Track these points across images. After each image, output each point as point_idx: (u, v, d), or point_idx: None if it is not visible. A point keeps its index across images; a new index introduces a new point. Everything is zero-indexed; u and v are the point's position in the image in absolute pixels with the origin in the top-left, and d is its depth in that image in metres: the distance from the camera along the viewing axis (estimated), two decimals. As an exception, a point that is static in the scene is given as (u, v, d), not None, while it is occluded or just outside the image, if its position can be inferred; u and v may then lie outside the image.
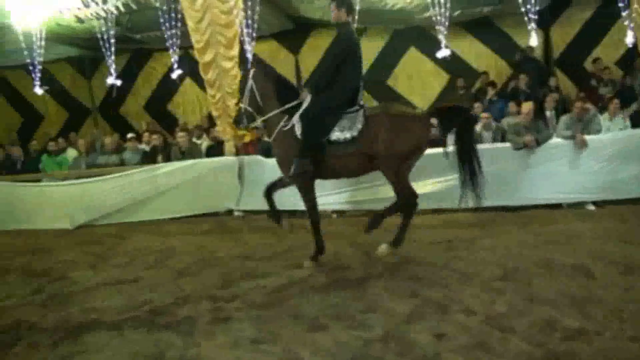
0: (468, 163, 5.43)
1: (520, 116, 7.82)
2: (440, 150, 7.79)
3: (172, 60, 9.41)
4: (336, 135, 5.42)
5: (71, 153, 10.34)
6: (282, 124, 5.64)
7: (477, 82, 11.37)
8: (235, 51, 8.16)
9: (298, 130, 5.50)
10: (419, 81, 12.25)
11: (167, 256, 6.48)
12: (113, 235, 7.91)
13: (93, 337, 4.21)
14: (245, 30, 9.21)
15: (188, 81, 13.03)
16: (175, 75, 10.15)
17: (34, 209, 9.01)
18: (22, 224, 9.01)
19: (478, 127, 8.22)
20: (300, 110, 5.53)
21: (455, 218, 7.27)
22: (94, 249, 7.22)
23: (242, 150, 8.98)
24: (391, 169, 5.42)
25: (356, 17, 8.06)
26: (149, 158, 9.10)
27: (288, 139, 5.57)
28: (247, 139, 9.15)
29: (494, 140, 7.98)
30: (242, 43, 8.89)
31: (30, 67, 10.68)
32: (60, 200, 8.81)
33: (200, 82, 12.79)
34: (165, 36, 9.00)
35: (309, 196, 5.71)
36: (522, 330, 3.72)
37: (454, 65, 11.41)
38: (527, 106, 7.72)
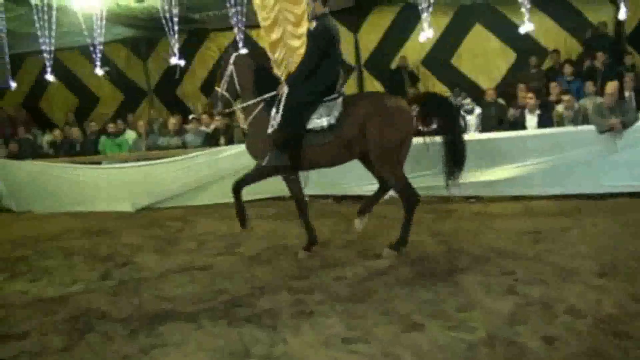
0: (453, 153, 5.28)
1: (604, 97, 7.28)
2: (520, 133, 7.51)
3: (237, 38, 9.11)
4: (314, 122, 5.30)
5: (130, 135, 10.24)
6: (256, 112, 5.55)
7: (547, 60, 10.75)
8: (303, 28, 7.80)
9: (274, 122, 5.36)
10: (484, 60, 11.64)
11: (237, 242, 6.25)
12: (177, 218, 7.75)
13: (170, 328, 3.98)
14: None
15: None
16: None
17: (94, 190, 8.93)
18: (82, 206, 8.94)
19: (560, 108, 7.73)
20: (279, 104, 5.38)
21: (536, 206, 6.86)
22: (159, 232, 7.08)
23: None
24: (386, 167, 5.30)
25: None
26: (211, 140, 8.90)
27: (262, 129, 5.44)
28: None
29: (575, 122, 7.47)
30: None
31: (90, 48, 10.56)
32: (122, 182, 8.71)
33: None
34: (230, 14, 8.71)
35: (256, 177, 5.59)
36: (639, 337, 3.32)
37: (522, 43, 10.74)
38: (612, 86, 7.17)
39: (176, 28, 9.27)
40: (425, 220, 6.42)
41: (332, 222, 6.85)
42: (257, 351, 3.52)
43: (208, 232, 6.83)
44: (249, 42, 10.39)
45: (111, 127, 10.11)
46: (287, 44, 7.98)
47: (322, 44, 5.30)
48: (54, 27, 9.81)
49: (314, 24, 5.42)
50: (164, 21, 9.08)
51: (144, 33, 12.76)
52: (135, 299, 4.69)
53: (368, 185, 5.53)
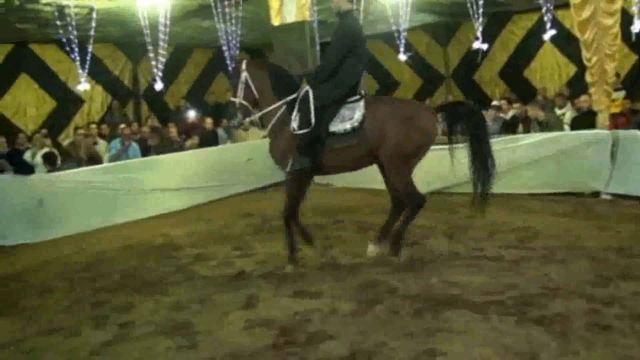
0: (480, 161, 5.10)
1: None
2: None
3: (545, 18, 8.61)
4: (336, 126, 5.10)
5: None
6: (278, 116, 5.32)
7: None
8: (618, 5, 7.03)
9: (295, 125, 5.14)
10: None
11: (529, 236, 5.96)
12: (466, 205, 7.66)
13: (456, 315, 3.99)
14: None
15: (547, 45, 12.01)
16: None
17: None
18: (378, 184, 9.32)
19: None
20: (300, 105, 5.17)
21: None
22: (449, 217, 7.12)
23: (612, 123, 7.84)
24: (397, 170, 5.15)
25: None
26: (509, 128, 8.61)
27: (286, 133, 5.26)
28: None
29: None
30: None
31: (395, 35, 11.09)
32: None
33: (562, 47, 11.75)
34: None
35: (294, 193, 5.36)
36: None
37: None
38: None
39: (480, 11, 9.16)
40: None
41: (634, 226, 6.10)
42: (544, 357, 3.31)
43: (499, 222, 6.63)
44: (555, 23, 9.74)
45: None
46: (598, 22, 7.28)
47: (347, 42, 5.12)
48: (361, 16, 10.52)
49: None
50: (468, 4, 9.02)
51: (445, 19, 12.91)
52: (423, 280, 4.80)
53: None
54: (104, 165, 8.97)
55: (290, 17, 10.09)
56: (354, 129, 5.11)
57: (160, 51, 9.92)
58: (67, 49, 9.91)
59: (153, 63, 10.48)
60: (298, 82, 5.60)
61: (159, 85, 10.59)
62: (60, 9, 9.04)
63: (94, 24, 9.58)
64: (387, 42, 13.54)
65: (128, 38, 11.94)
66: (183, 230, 7.53)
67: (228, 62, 11.74)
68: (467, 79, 14.02)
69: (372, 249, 5.54)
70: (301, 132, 5.15)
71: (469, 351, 3.46)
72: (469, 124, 5.21)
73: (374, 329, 3.90)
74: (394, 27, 11.17)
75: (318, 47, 9.99)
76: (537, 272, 4.78)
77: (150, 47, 10.28)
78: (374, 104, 5.26)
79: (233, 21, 10.80)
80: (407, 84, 15.22)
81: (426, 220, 6.95)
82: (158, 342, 4.05)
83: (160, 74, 10.46)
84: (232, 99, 5.56)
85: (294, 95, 5.35)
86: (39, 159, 9.04)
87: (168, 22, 9.60)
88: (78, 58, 9.93)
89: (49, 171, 8.55)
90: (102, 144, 9.93)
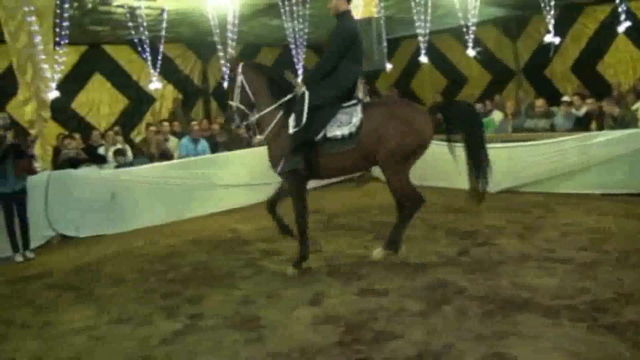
0: (476, 159, 5.11)
1: None
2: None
3: (619, 9, 8.20)
4: (333, 131, 5.10)
5: (497, 115, 10.25)
6: (276, 120, 5.33)
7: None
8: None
9: (291, 125, 5.15)
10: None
11: (602, 238, 5.73)
12: (539, 205, 7.48)
13: (526, 319, 3.92)
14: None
15: (621, 38, 11.46)
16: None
17: (455, 168, 9.09)
18: (443, 182, 9.07)
19: None
20: (296, 105, 5.18)
21: None
22: (520, 217, 6.93)
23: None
24: (394, 171, 5.15)
25: None
26: (581, 124, 8.31)
27: (282, 135, 5.26)
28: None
29: None
30: None
31: (463, 30, 10.88)
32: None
33: (636, 39, 11.20)
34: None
35: (299, 198, 5.37)
36: None
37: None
38: None
39: (552, 3, 8.86)
40: None
41: None
42: (619, 367, 3.20)
43: (571, 223, 6.42)
44: (629, 15, 9.30)
45: (480, 108, 10.29)
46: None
47: (344, 42, 5.14)
48: (429, 11, 10.40)
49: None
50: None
51: (515, 12, 12.54)
52: (492, 280, 4.73)
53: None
54: (175, 161, 9.24)
55: (357, 13, 10.09)
56: (351, 134, 5.12)
57: (229, 50, 10.10)
58: (139, 49, 10.23)
59: (222, 62, 10.69)
60: (293, 84, 5.58)
61: (227, 84, 10.78)
62: (132, 10, 9.35)
63: (164, 25, 9.88)
64: (455, 37, 13.30)
65: (198, 38, 12.21)
66: (251, 226, 7.68)
67: (295, 60, 11.84)
68: (538, 74, 13.55)
69: (377, 253, 5.48)
70: (293, 131, 5.19)
71: (539, 357, 3.40)
72: (463, 123, 5.22)
73: (442, 329, 3.89)
74: (462, 22, 10.95)
75: (385, 44, 9.91)
76: (610, 276, 4.61)
77: (219, 47, 10.49)
78: (370, 108, 5.27)
79: (300, 19, 10.88)
80: (476, 80, 14.86)
81: (496, 220, 6.85)
82: (226, 334, 4.18)
83: (228, 72, 10.62)
84: (230, 102, 5.59)
85: (290, 96, 5.38)
86: (111, 155, 9.41)
87: (237, 22, 9.77)
88: (149, 58, 10.24)
89: (121, 166, 8.90)
90: (173, 141, 10.22)
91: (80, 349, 4.20)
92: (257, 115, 5.53)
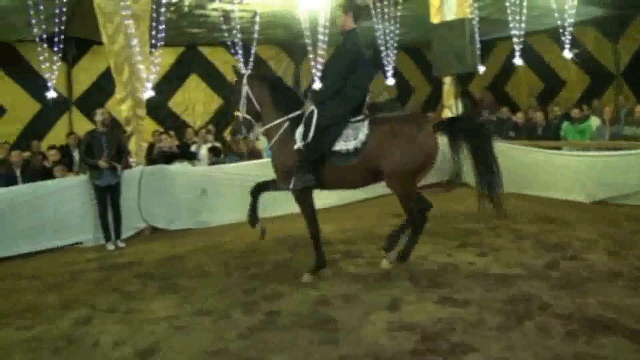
0: (485, 171, 5.04)
1: None
2: None
3: None
4: (339, 145, 5.13)
5: (594, 121, 9.76)
6: (281, 131, 5.38)
7: None
8: None
9: (299, 142, 5.16)
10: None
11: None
12: (635, 219, 7.03)
13: (612, 342, 3.70)
14: None
15: None
16: None
17: (548, 176, 8.79)
18: (533, 190, 8.83)
19: None
20: (305, 123, 5.21)
21: None
22: (612, 231, 6.57)
23: None
24: (399, 187, 5.21)
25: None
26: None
27: (288, 148, 5.31)
28: None
29: None
30: None
31: (560, 31, 10.40)
32: (579, 170, 8.31)
33: None
34: None
35: (307, 207, 5.47)
36: None
37: None
38: None
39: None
40: None
41: None
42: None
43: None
44: None
45: (575, 113, 9.83)
46: None
47: (351, 58, 5.18)
48: (524, 11, 10.04)
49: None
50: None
51: (615, 11, 11.86)
52: (579, 298, 4.51)
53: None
54: (264, 160, 9.44)
55: (450, 14, 9.94)
56: (356, 149, 5.15)
57: (320, 52, 10.21)
58: (233, 51, 10.55)
59: (312, 64, 10.82)
60: (300, 95, 5.63)
61: (317, 85, 10.91)
62: (226, 13, 9.66)
63: (257, 27, 10.12)
64: (553, 38, 12.75)
65: (291, 39, 12.44)
66: (334, 227, 7.74)
67: (385, 62, 11.79)
68: (639, 79, 12.78)
69: (385, 263, 5.56)
70: (304, 149, 5.21)
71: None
72: (468, 139, 5.15)
73: (521, 346, 3.76)
74: (559, 22, 10.47)
75: (478, 45, 9.69)
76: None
77: (310, 49, 10.62)
78: (377, 124, 5.24)
79: (392, 21, 10.83)
80: (573, 84, 14.22)
81: (588, 232, 6.53)
82: (301, 333, 4.24)
83: (319, 74, 10.75)
84: (236, 113, 5.61)
85: (299, 112, 5.39)
86: (203, 152, 9.76)
87: (327, 24, 9.85)
88: (242, 59, 10.53)
89: (213, 163, 9.21)
90: (262, 141, 10.44)
91: (160, 337, 4.39)
92: (264, 128, 5.61)
